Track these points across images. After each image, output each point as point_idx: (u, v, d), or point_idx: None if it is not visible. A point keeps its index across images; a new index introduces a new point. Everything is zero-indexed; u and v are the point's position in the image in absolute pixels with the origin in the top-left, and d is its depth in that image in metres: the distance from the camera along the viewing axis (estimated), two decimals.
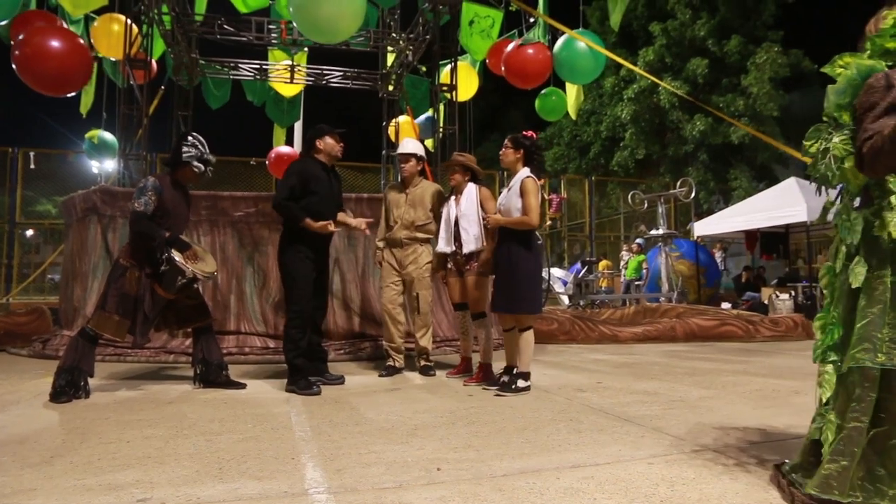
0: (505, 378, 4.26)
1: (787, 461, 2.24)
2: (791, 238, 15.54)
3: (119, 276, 4.02)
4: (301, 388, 4.12)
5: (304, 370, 4.28)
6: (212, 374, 4.29)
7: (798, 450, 2.21)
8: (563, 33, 9.30)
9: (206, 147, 4.25)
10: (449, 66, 9.22)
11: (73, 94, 8.19)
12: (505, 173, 4.89)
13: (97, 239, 6.11)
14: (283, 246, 4.48)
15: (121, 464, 2.49)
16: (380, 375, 4.85)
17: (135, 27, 8.05)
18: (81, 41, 7.72)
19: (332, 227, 4.40)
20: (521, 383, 4.11)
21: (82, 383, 3.91)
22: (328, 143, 4.56)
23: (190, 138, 4.22)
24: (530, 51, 9.43)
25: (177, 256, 4.00)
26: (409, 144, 5.21)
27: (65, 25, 8.38)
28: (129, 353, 5.62)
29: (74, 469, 2.42)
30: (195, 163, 4.17)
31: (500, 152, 4.46)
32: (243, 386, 4.31)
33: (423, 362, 5.05)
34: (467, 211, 4.68)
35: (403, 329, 5.08)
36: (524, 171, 4.30)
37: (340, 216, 4.67)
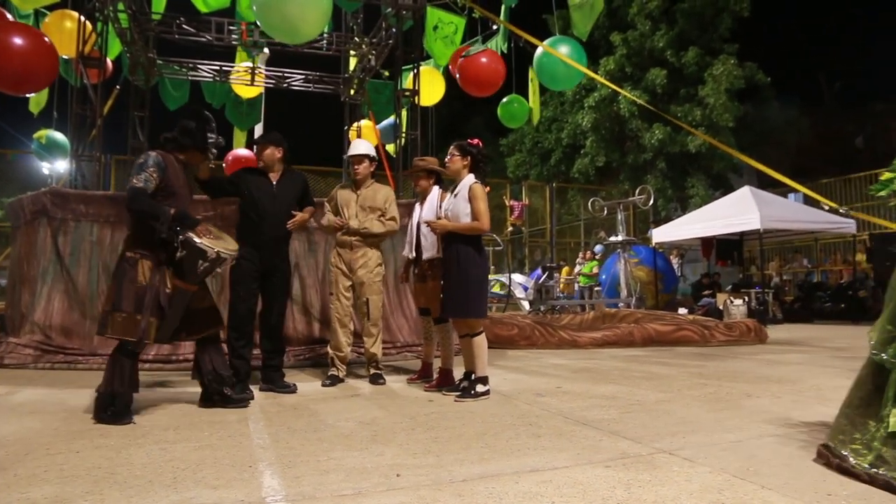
0: (465, 384, 4.27)
1: (868, 465, 2.31)
2: (745, 245, 15.95)
3: (130, 270, 3.44)
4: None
5: (239, 373, 4.22)
6: (221, 386, 3.82)
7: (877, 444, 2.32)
8: (523, 40, 9.39)
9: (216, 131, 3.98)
10: (412, 72, 9.20)
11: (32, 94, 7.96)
12: None
13: (47, 242, 5.91)
14: None
15: (69, 475, 2.40)
16: (323, 385, 4.68)
17: (88, 24, 7.84)
18: (47, 39, 7.48)
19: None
20: (479, 388, 4.12)
21: (129, 403, 3.45)
22: (258, 152, 4.64)
23: (213, 123, 3.91)
24: (484, 59, 9.50)
25: (194, 237, 3.51)
26: (361, 145, 5.11)
27: (9, 18, 8.12)
28: (80, 360, 5.47)
29: (18, 482, 2.33)
30: (213, 150, 3.91)
31: (446, 160, 4.47)
32: (246, 404, 3.87)
33: (372, 370, 4.92)
34: (428, 217, 4.66)
35: (351, 336, 5.00)
36: (470, 177, 4.32)
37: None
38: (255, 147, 4.76)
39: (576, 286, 16.31)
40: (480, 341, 4.21)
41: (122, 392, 3.39)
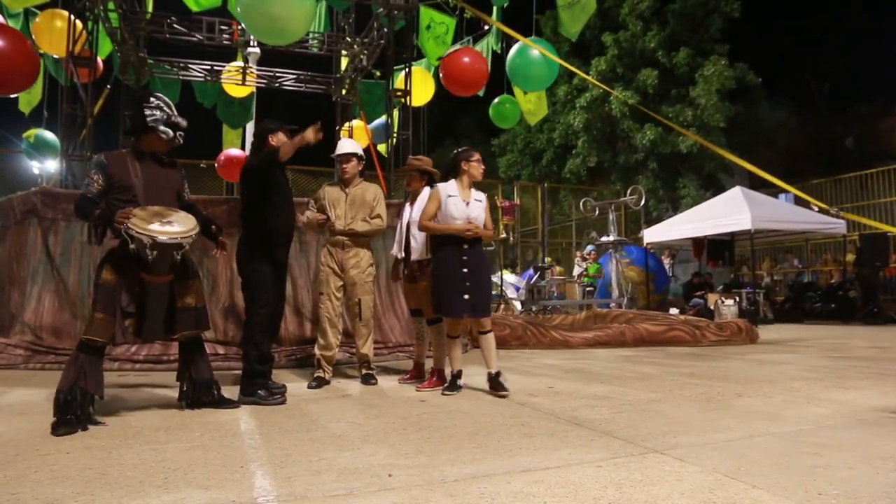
0: (459, 381, 4.38)
1: None
2: (736, 245, 16.02)
3: (98, 269, 3.45)
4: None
5: (266, 374, 4.20)
6: (200, 394, 3.78)
7: None
8: (516, 41, 9.41)
9: (174, 109, 3.66)
10: (403, 72, 9.21)
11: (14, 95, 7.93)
12: None
13: (37, 242, 5.88)
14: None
15: (59, 476, 2.39)
16: (308, 387, 4.59)
17: (79, 24, 7.81)
18: (29, 41, 7.47)
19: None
20: (503, 380, 4.31)
21: (85, 406, 3.25)
22: (281, 140, 4.37)
23: (152, 99, 3.62)
24: (466, 59, 9.50)
25: (134, 226, 3.28)
26: (348, 144, 5.09)
27: (1, 20, 8.09)
28: None
29: (8, 483, 2.32)
30: (161, 128, 3.56)
31: (476, 162, 4.50)
32: (237, 405, 3.85)
33: (364, 370, 4.89)
34: (417, 217, 4.66)
35: (341, 336, 4.96)
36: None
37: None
38: (280, 135, 4.39)
39: (577, 287, 16.14)
40: (493, 337, 4.47)
41: (68, 388, 3.23)
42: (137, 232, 3.28)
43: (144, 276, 3.45)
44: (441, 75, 9.72)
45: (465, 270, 4.29)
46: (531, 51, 9.00)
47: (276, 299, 4.32)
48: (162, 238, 3.33)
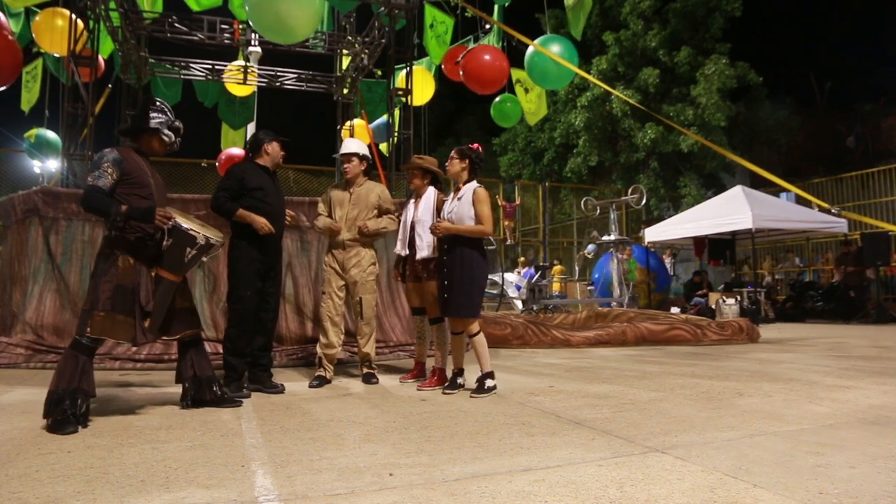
0: (460, 380, 4.37)
1: None
2: (737, 244, 16.01)
3: (109, 267, 3.35)
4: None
5: (236, 371, 4.35)
6: (203, 391, 3.78)
7: None
8: (515, 39, 9.41)
9: (173, 114, 3.74)
10: (404, 71, 9.20)
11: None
12: None
13: (38, 242, 5.89)
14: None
15: (61, 475, 2.39)
16: (309, 386, 4.60)
17: (80, 23, 7.81)
18: (11, 36, 7.47)
19: (268, 229, 4.37)
20: (489, 383, 4.24)
21: (84, 408, 3.25)
22: (275, 148, 4.62)
23: (158, 103, 3.70)
24: (487, 56, 9.47)
25: (183, 222, 3.35)
26: (352, 144, 5.09)
27: (2, 18, 8.09)
28: None
29: (10, 481, 2.32)
30: (165, 131, 3.64)
31: (447, 163, 4.58)
32: (240, 403, 3.88)
33: (365, 369, 4.91)
34: (423, 217, 4.67)
35: (343, 335, 4.97)
36: (474, 182, 4.46)
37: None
38: (275, 144, 4.62)
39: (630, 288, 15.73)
40: (482, 339, 4.36)
41: (70, 390, 3.19)
42: (192, 231, 3.39)
43: (164, 274, 3.48)
44: (462, 73, 9.67)
45: (444, 269, 4.38)
46: (551, 48, 8.98)
47: (250, 298, 4.42)
48: (213, 240, 3.51)
